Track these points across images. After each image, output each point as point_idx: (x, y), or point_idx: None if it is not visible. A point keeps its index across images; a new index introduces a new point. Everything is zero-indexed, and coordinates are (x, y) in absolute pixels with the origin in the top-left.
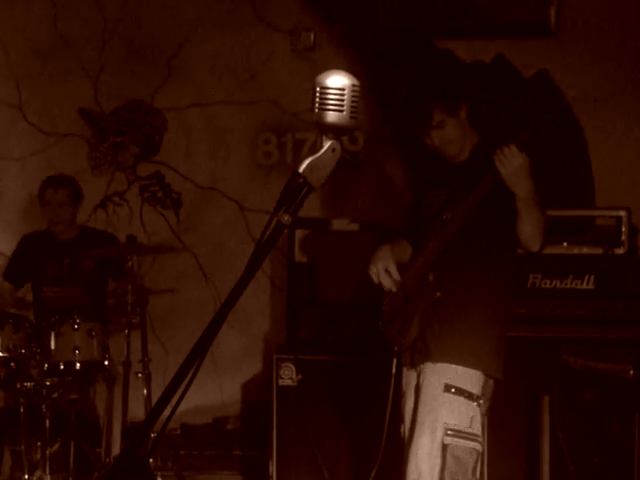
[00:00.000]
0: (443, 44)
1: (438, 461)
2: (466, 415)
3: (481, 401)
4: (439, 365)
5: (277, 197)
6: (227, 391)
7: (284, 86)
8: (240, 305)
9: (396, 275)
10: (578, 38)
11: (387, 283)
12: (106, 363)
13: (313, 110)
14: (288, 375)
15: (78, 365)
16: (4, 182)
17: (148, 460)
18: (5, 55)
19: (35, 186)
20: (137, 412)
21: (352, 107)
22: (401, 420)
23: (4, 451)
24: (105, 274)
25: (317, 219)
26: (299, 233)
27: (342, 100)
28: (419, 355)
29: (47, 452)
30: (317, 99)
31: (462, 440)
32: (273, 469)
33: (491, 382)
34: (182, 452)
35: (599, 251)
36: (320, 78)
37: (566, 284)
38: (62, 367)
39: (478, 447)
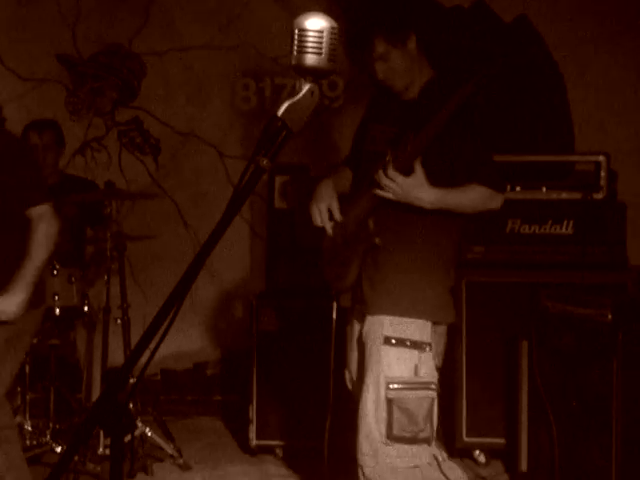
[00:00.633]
0: None
1: (384, 416)
2: (408, 365)
3: (427, 347)
4: (377, 317)
5: (255, 143)
6: (207, 337)
7: (263, 31)
8: (220, 252)
9: (338, 215)
10: None
11: (328, 223)
12: (85, 309)
13: (292, 53)
14: (268, 321)
15: (57, 311)
16: None
17: (127, 404)
18: None
19: (13, 131)
20: (117, 358)
21: (331, 50)
22: (344, 366)
23: None
24: (84, 221)
25: (297, 165)
26: (279, 179)
27: (320, 42)
28: (359, 305)
29: (27, 397)
30: (295, 41)
31: (407, 391)
32: (253, 414)
33: (441, 327)
34: (162, 397)
35: (578, 196)
36: (299, 20)
37: (545, 229)
38: None
39: (429, 394)
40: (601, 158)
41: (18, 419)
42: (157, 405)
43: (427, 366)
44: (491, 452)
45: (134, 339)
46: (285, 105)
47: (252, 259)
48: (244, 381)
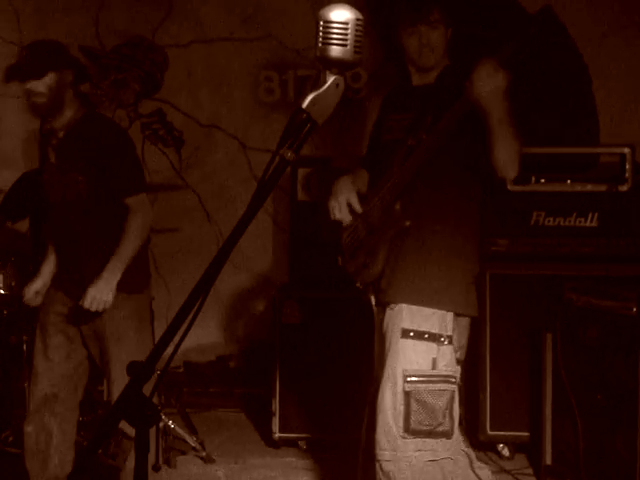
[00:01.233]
0: None
1: (402, 410)
2: (426, 358)
3: (446, 340)
4: (397, 307)
5: (279, 135)
6: (230, 329)
7: (286, 23)
8: (243, 244)
9: (358, 207)
10: None
11: (347, 217)
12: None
13: (316, 45)
14: (291, 313)
15: None
16: (4, 119)
17: (152, 396)
18: None
19: (35, 123)
20: None
21: (356, 41)
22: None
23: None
24: None
25: (320, 157)
26: (302, 172)
27: (346, 34)
28: (382, 294)
29: None
30: (320, 33)
31: (425, 384)
32: (276, 406)
33: (464, 318)
34: (185, 390)
35: (603, 188)
36: (324, 12)
37: (570, 222)
38: None
39: (448, 387)
40: (626, 150)
41: None
42: (180, 398)
43: (446, 359)
44: (515, 445)
45: (157, 332)
46: (310, 97)
47: (275, 252)
48: (267, 374)
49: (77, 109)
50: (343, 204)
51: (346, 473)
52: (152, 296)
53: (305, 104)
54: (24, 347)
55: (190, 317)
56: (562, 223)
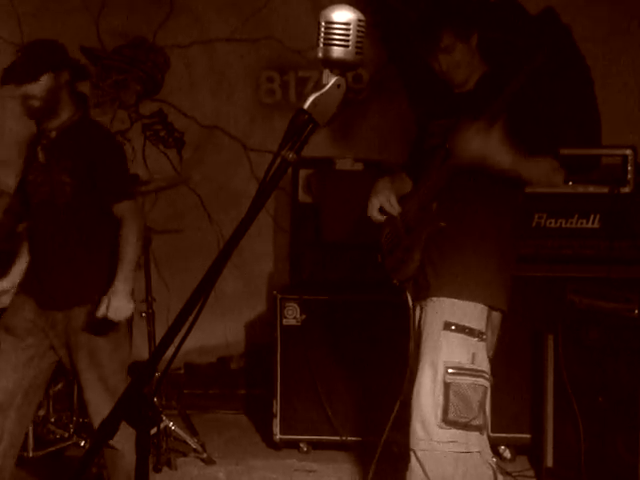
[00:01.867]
0: None
1: (441, 400)
2: (467, 352)
3: (484, 336)
4: (438, 301)
5: (280, 136)
6: (231, 331)
7: (288, 23)
8: (244, 245)
9: (397, 206)
10: None
11: (389, 212)
12: None
13: (318, 45)
14: (292, 315)
15: None
16: (4, 120)
17: (153, 398)
18: None
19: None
20: (141, 351)
21: (358, 42)
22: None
23: None
24: None
25: (321, 159)
26: (303, 173)
27: (348, 35)
28: (420, 290)
29: (51, 391)
30: (322, 34)
31: (464, 377)
32: (277, 408)
33: (497, 314)
34: (186, 391)
35: (605, 190)
36: (325, 12)
37: (571, 223)
38: None
39: (484, 382)
40: (628, 152)
41: (42, 413)
42: (181, 399)
43: (482, 355)
44: (517, 448)
45: (158, 332)
46: (311, 98)
47: (276, 253)
48: (268, 375)
49: (73, 111)
50: (385, 202)
51: (347, 475)
52: (153, 298)
53: (307, 105)
54: None
55: (191, 318)
56: (564, 225)
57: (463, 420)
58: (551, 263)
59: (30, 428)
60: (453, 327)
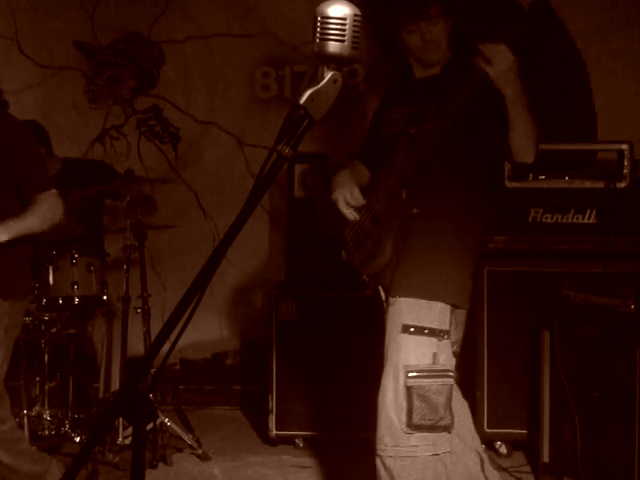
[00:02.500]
0: None
1: (404, 404)
2: (427, 353)
3: (446, 335)
4: (398, 302)
5: (276, 132)
6: (227, 327)
7: (283, 18)
8: (239, 241)
9: (361, 199)
10: None
11: (348, 212)
12: (105, 298)
13: (314, 40)
14: (288, 310)
15: (77, 300)
16: None
17: (149, 394)
18: None
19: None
20: (136, 347)
21: (354, 37)
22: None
23: None
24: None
25: (316, 154)
26: (298, 168)
27: (343, 30)
28: (386, 289)
29: (46, 387)
30: (318, 29)
31: (426, 379)
32: (273, 404)
33: (461, 312)
34: (181, 387)
35: (601, 185)
36: (321, 7)
37: (567, 218)
38: (61, 302)
39: (448, 381)
40: (624, 147)
41: (37, 409)
42: (176, 395)
43: (446, 354)
44: (513, 443)
45: (153, 329)
46: (307, 93)
47: (271, 248)
48: (264, 371)
49: None
50: (347, 195)
51: (343, 471)
52: (148, 294)
53: (303, 100)
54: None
55: (187, 314)
56: (560, 220)
57: (429, 422)
58: (547, 258)
59: (25, 424)
60: (412, 329)
